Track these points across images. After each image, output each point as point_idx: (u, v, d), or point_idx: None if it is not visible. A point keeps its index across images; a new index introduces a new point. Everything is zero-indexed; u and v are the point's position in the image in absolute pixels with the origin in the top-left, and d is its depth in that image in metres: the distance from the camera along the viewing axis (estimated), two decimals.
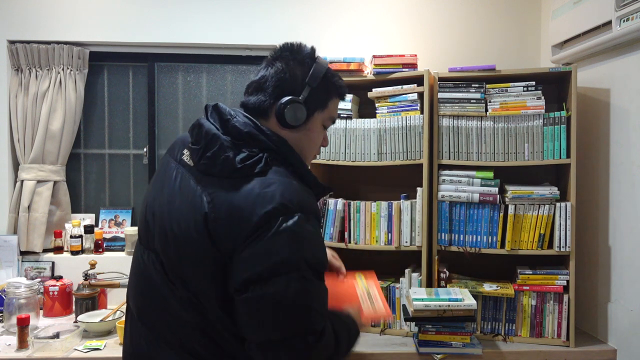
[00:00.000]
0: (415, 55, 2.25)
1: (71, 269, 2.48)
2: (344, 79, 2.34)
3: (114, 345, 2.00)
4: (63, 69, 2.55)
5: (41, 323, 2.23)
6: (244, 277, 1.04)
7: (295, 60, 1.21)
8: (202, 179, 1.12)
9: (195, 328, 1.11)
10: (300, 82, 1.20)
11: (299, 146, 1.22)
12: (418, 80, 2.17)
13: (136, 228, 2.54)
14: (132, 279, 1.25)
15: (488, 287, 2.10)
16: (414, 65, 2.22)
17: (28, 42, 2.56)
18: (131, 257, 2.58)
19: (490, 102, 2.11)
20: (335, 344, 1.13)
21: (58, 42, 2.56)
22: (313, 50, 1.25)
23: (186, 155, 1.20)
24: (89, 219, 2.68)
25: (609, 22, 1.88)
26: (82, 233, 2.57)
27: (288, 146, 1.18)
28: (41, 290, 2.33)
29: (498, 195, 2.08)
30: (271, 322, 1.04)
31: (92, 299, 2.28)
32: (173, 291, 1.11)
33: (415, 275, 2.15)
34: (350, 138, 2.24)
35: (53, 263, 2.53)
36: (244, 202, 1.06)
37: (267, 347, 1.05)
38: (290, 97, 1.18)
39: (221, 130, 1.14)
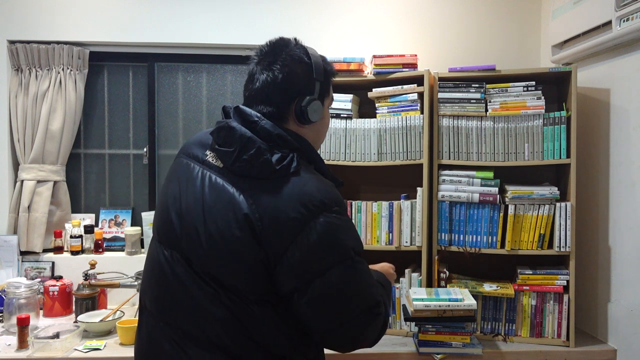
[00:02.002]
0: (415, 55, 2.25)
1: (71, 269, 2.48)
2: (344, 79, 2.35)
3: (114, 345, 2.00)
4: (63, 69, 2.55)
5: (41, 323, 2.23)
6: (303, 277, 1.10)
7: (292, 59, 1.23)
8: (238, 180, 1.15)
9: (226, 323, 1.13)
10: (307, 79, 1.24)
11: (316, 137, 1.30)
12: (418, 80, 2.17)
13: (137, 228, 2.59)
14: (150, 278, 1.25)
15: (488, 287, 2.10)
16: (414, 65, 2.22)
17: (28, 42, 2.56)
18: (131, 257, 2.62)
19: (490, 102, 2.11)
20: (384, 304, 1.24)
21: (58, 42, 2.56)
22: (300, 42, 1.28)
23: (210, 157, 1.21)
24: (89, 219, 2.68)
25: (609, 22, 1.88)
26: (82, 233, 2.57)
27: (309, 145, 1.24)
28: (41, 290, 2.33)
29: (498, 195, 2.08)
30: (337, 309, 1.13)
31: (92, 299, 2.28)
32: (202, 288, 1.13)
33: (415, 275, 2.15)
34: (350, 138, 2.24)
35: (53, 263, 2.53)
36: (287, 203, 1.10)
37: (337, 330, 1.15)
38: (307, 97, 1.23)
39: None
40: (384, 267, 1.50)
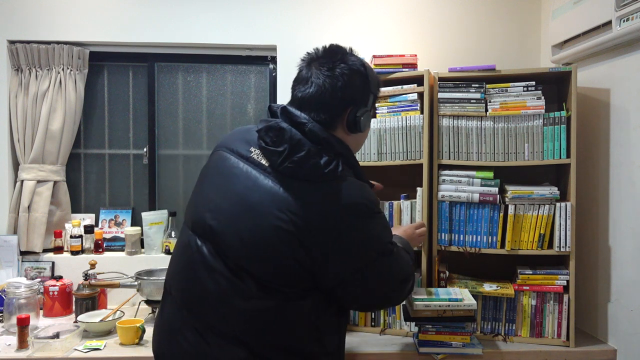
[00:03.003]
0: (415, 55, 2.25)
1: (71, 269, 2.48)
2: None
3: (114, 345, 2.00)
4: (63, 69, 2.55)
5: (41, 323, 2.23)
6: (350, 269, 1.18)
7: (351, 69, 1.25)
8: (284, 180, 1.17)
9: (252, 318, 1.15)
10: (362, 90, 1.28)
11: (356, 145, 1.36)
12: (418, 80, 2.17)
13: (137, 228, 2.59)
14: (178, 265, 1.26)
15: (488, 287, 2.10)
16: (414, 65, 2.22)
17: (28, 42, 2.56)
18: (131, 257, 2.62)
19: (490, 102, 2.11)
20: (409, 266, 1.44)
21: (58, 42, 2.56)
22: (356, 53, 1.31)
23: (255, 154, 1.23)
24: (89, 219, 2.68)
25: (609, 22, 1.88)
26: (82, 233, 2.57)
27: (350, 151, 1.28)
28: (41, 290, 2.33)
29: (498, 195, 2.08)
30: (378, 291, 1.28)
31: (92, 299, 2.28)
32: (232, 282, 1.15)
33: (415, 275, 2.15)
34: None
35: (53, 263, 2.53)
36: (333, 206, 1.15)
37: (378, 304, 1.43)
38: (363, 108, 1.28)
39: None
40: (407, 232, 1.75)
